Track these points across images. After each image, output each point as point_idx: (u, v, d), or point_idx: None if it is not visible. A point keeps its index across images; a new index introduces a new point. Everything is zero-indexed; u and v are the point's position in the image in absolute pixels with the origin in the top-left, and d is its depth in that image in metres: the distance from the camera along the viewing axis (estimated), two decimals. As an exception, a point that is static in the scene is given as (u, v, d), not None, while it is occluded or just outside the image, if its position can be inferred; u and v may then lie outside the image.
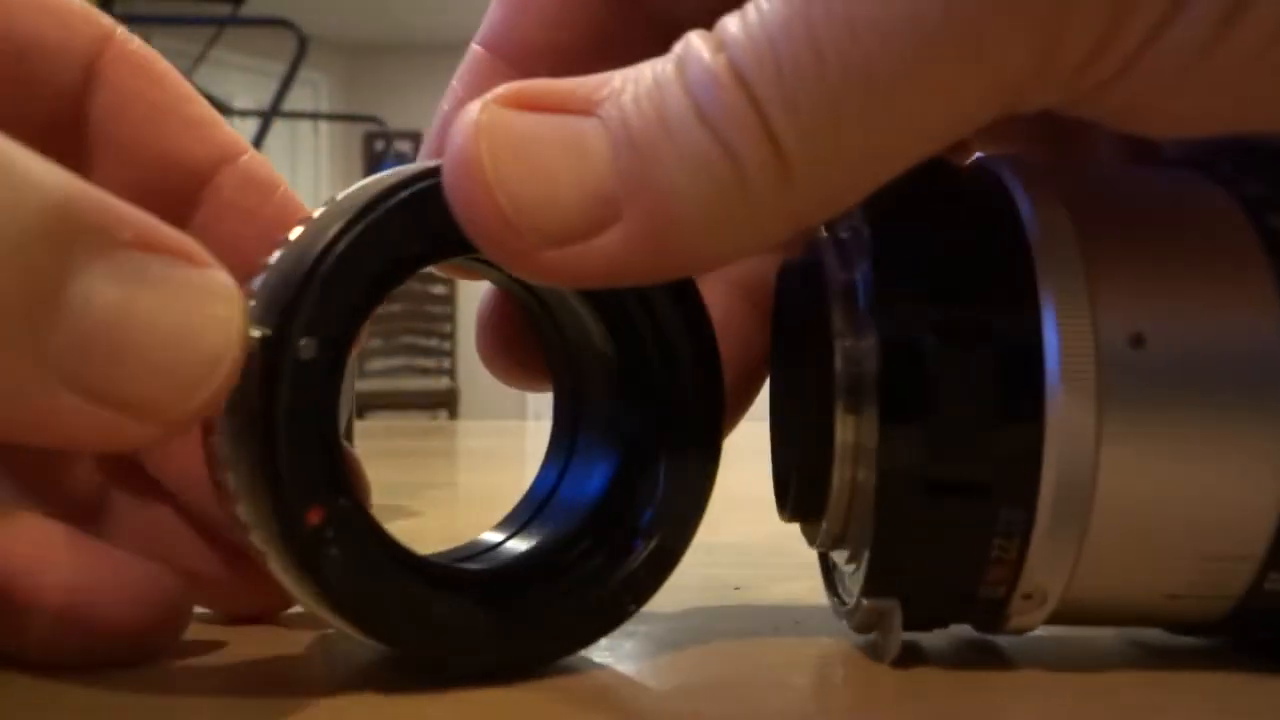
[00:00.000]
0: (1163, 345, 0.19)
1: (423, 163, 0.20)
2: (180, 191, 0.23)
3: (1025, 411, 0.19)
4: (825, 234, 0.22)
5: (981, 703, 0.19)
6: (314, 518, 0.18)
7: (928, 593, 0.20)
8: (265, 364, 0.18)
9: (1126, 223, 0.20)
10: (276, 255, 0.19)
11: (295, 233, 0.19)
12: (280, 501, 0.18)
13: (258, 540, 0.19)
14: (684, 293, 0.21)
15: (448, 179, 0.17)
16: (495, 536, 0.23)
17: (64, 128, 0.22)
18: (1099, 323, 0.19)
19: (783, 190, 0.17)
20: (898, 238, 0.20)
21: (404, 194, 0.19)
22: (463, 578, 0.21)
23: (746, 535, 0.36)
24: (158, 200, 0.22)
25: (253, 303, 0.18)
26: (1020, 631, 0.21)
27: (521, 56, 0.24)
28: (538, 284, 0.22)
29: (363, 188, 0.19)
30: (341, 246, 0.18)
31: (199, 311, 0.16)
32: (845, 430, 0.20)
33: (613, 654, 0.22)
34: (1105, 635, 0.23)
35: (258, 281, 0.19)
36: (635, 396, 0.22)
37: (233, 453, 0.18)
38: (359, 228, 0.18)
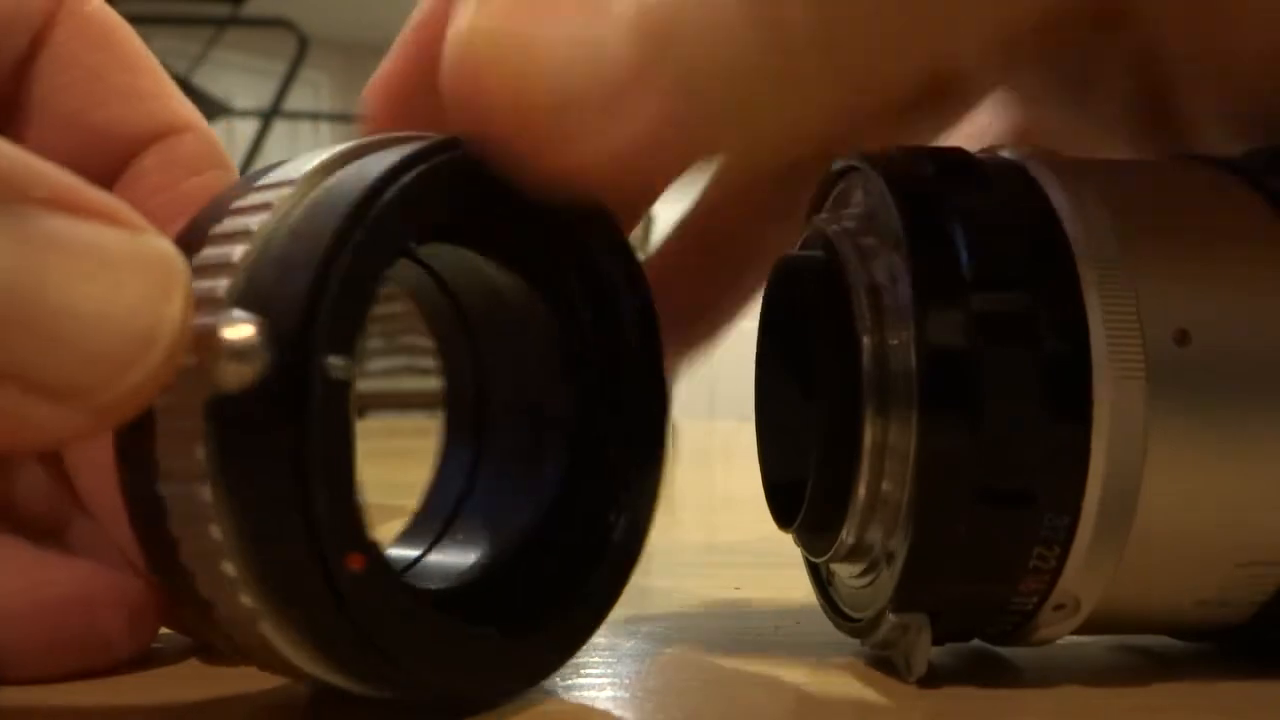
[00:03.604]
0: (1206, 342, 0.18)
1: (407, 137, 0.18)
2: (106, 164, 0.21)
3: (1073, 410, 0.18)
4: (830, 226, 0.21)
5: (983, 703, 0.19)
6: (355, 564, 0.15)
7: (958, 606, 0.20)
8: (288, 387, 0.15)
9: (1159, 216, 0.20)
10: (240, 250, 0.16)
11: (257, 220, 0.16)
12: (319, 551, 0.15)
13: (250, 599, 0.16)
14: (624, 251, 0.20)
15: (464, 71, 0.16)
16: (409, 552, 0.21)
17: (7, 98, 0.21)
18: (1144, 319, 0.18)
19: (827, 55, 0.15)
20: (931, 229, 0.19)
21: (411, 174, 0.16)
22: (469, 601, 0.19)
23: (746, 535, 0.36)
24: (82, 173, 0.22)
25: (235, 311, 0.15)
26: (1040, 644, 0.21)
27: None
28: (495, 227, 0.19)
29: (337, 162, 0.17)
30: (357, 240, 0.15)
31: (127, 280, 0.14)
32: (874, 433, 0.19)
33: (613, 654, 0.22)
34: (1100, 641, 0.23)
35: (221, 286, 0.16)
36: (567, 373, 0.21)
37: (229, 500, 0.15)
38: (373, 214, 0.16)
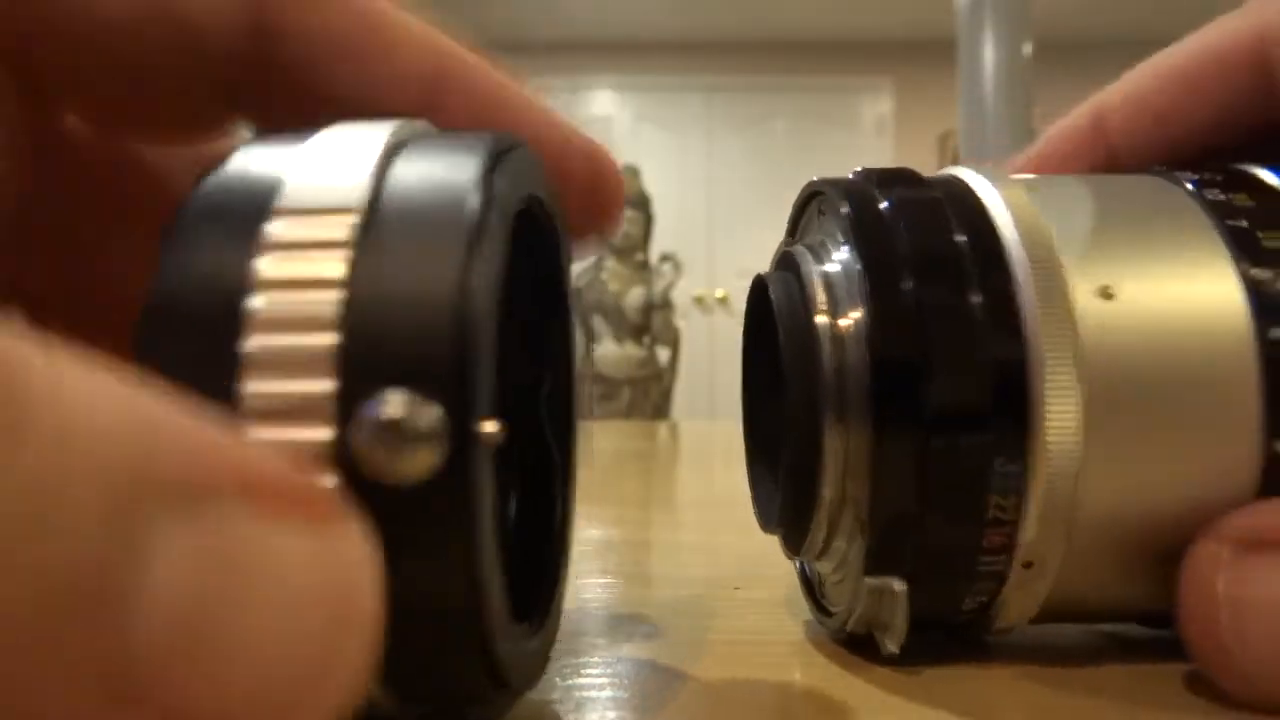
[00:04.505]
0: (1130, 297, 0.20)
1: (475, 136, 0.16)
2: None
3: (1011, 363, 0.20)
4: (796, 248, 0.23)
5: (980, 697, 0.20)
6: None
7: (930, 567, 0.20)
8: (451, 461, 0.13)
9: (1085, 202, 0.22)
10: (330, 299, 0.14)
11: (336, 262, 0.14)
12: (477, 612, 0.14)
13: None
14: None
15: None
16: None
17: None
18: (1070, 277, 0.20)
19: None
20: (871, 220, 0.21)
21: (494, 209, 0.15)
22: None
23: (746, 535, 0.36)
24: None
25: (392, 392, 0.14)
26: (1014, 621, 0.21)
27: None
28: None
29: (377, 173, 0.15)
30: (476, 284, 0.14)
31: (308, 604, 0.11)
32: (835, 436, 0.20)
33: (613, 654, 0.22)
34: (1081, 631, 0.23)
35: (322, 345, 0.14)
36: (534, 374, 0.22)
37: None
38: (483, 253, 0.14)
